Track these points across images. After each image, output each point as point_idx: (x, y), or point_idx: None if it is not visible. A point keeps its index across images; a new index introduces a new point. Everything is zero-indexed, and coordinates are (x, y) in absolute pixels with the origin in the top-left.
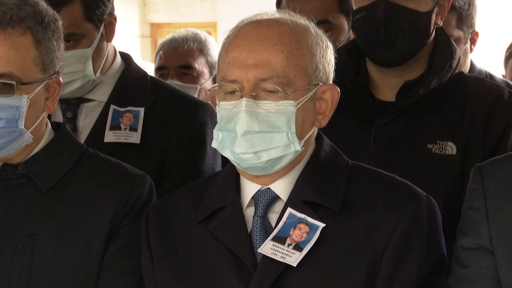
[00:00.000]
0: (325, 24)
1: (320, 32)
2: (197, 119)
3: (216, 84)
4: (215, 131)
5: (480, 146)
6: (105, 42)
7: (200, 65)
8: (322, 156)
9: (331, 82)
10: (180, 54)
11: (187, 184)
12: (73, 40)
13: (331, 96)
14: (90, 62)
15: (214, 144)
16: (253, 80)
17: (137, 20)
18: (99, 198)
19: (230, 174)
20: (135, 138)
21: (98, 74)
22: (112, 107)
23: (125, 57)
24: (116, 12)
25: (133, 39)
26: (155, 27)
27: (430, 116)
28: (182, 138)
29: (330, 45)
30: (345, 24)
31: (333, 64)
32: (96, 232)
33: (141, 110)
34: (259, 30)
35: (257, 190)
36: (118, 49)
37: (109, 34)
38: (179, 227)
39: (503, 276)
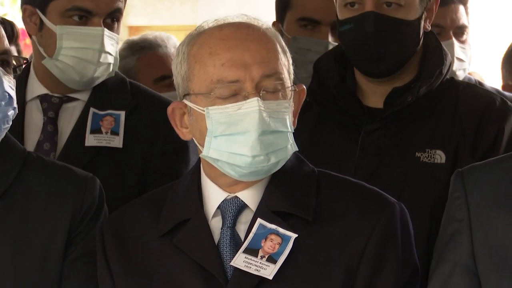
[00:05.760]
0: None
1: None
2: None
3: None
4: (207, 138)
5: (470, 154)
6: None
7: None
8: (287, 164)
9: None
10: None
11: (143, 195)
12: None
13: (299, 98)
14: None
15: (206, 152)
16: (257, 79)
17: None
18: (53, 205)
19: (192, 185)
20: (117, 142)
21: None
22: (92, 110)
23: None
24: None
25: None
26: (134, 31)
27: (419, 124)
28: (165, 145)
29: None
30: None
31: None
32: (54, 239)
33: (122, 114)
34: (244, 31)
35: (223, 199)
36: None
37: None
38: (139, 241)
39: None
